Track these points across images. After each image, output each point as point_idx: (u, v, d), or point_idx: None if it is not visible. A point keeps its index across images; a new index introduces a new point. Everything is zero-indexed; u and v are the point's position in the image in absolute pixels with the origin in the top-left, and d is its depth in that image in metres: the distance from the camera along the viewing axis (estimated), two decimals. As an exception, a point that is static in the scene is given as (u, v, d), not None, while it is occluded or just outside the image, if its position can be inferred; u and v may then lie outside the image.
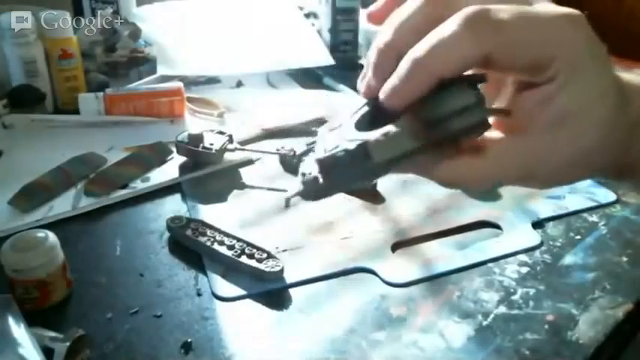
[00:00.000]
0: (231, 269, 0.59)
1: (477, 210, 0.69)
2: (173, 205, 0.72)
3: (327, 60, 1.09)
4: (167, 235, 0.65)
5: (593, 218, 0.69)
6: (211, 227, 0.63)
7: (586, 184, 0.75)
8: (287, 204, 0.31)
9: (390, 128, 0.29)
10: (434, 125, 0.29)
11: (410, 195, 0.72)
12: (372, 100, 0.32)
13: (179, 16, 1.21)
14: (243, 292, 0.57)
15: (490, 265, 0.61)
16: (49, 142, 0.84)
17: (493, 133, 0.31)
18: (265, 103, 0.98)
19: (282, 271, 0.58)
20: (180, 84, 0.93)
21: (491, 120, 0.30)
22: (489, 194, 0.72)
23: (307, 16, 1.25)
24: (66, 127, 0.88)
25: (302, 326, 0.53)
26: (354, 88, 1.00)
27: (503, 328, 0.53)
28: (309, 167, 0.32)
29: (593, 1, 1.75)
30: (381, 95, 0.30)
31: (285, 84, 1.07)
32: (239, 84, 1.06)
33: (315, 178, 0.31)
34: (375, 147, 0.29)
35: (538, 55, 0.28)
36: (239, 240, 0.61)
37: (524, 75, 0.30)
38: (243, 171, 0.79)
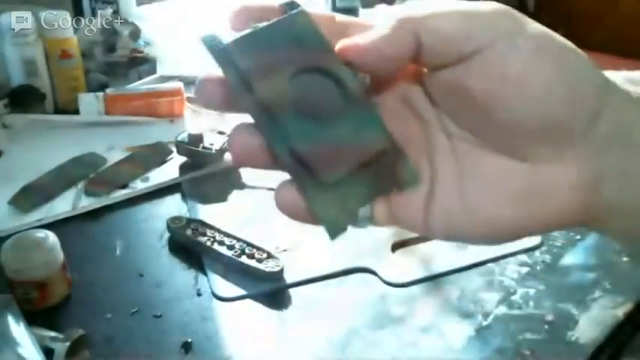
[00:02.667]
0: (231, 269, 0.59)
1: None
2: (173, 205, 0.72)
3: (327, 60, 1.09)
4: (167, 235, 0.65)
5: (593, 218, 0.69)
6: (211, 227, 0.63)
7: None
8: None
9: None
10: None
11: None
12: None
13: (179, 15, 1.21)
14: (243, 292, 0.57)
15: (490, 265, 0.61)
16: (49, 142, 0.84)
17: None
18: (265, 103, 0.98)
19: (282, 271, 0.58)
20: (180, 84, 0.93)
21: None
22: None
23: (307, 16, 1.25)
24: (66, 127, 0.88)
25: (302, 326, 0.53)
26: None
27: (503, 328, 0.53)
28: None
29: (589, 3, 1.77)
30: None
31: (285, 84, 1.07)
32: (239, 84, 1.06)
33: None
34: None
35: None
36: (239, 240, 0.61)
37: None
38: (243, 171, 0.79)
